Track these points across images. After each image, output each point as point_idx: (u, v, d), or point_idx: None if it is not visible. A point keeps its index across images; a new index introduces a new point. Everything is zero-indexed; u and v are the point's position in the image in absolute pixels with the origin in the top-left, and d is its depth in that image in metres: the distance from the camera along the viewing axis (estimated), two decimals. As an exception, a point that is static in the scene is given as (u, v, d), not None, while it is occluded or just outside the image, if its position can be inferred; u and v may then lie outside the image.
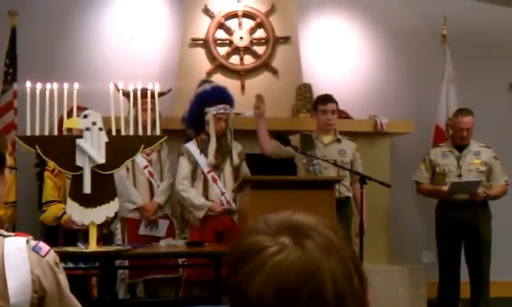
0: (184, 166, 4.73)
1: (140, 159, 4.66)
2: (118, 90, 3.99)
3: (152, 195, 4.80)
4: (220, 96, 4.78)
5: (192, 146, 4.79)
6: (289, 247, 0.85)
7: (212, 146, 4.70)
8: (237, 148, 4.86)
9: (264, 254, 0.85)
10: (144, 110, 4.07)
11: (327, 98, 4.97)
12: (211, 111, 4.70)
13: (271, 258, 0.84)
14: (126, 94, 4.17)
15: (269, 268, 0.83)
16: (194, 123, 4.83)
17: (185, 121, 4.93)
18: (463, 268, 5.13)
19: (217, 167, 4.74)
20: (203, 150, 4.73)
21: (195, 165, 4.74)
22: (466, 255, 5.12)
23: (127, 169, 4.68)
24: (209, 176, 4.73)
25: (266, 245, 0.86)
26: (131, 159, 4.08)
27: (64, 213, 4.29)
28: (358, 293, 0.86)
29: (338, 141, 4.99)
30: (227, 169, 4.78)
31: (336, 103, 5.00)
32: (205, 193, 4.71)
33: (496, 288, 5.38)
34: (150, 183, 4.80)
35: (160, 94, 4.92)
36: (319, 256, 0.85)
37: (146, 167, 4.78)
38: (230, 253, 0.91)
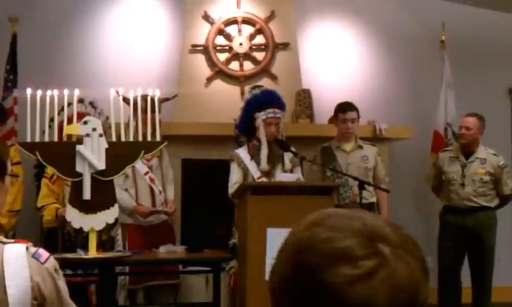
0: (236, 172, 4.65)
1: (140, 165, 4.63)
2: (119, 96, 4.00)
3: (153, 200, 4.78)
4: (269, 100, 4.68)
5: (242, 152, 4.69)
6: (391, 260, 0.84)
7: (264, 152, 4.58)
8: (288, 153, 4.77)
9: (367, 264, 0.83)
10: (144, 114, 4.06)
11: (346, 107, 5.00)
12: (261, 116, 4.61)
13: (377, 270, 0.83)
14: (126, 100, 4.18)
15: (381, 279, 0.82)
16: (245, 130, 4.76)
17: (237, 128, 4.86)
18: (465, 274, 5.13)
19: (267, 174, 4.63)
20: (254, 156, 4.64)
21: (246, 171, 4.65)
22: (469, 261, 5.11)
23: (126, 176, 4.66)
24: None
25: (363, 253, 0.84)
26: (131, 165, 4.08)
27: (59, 208, 4.33)
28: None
29: (360, 147, 5.02)
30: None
31: (357, 111, 5.01)
32: None
33: (499, 293, 5.38)
34: (152, 188, 4.79)
35: (166, 100, 4.92)
36: (420, 276, 0.87)
37: (147, 173, 4.76)
38: (307, 250, 0.85)
